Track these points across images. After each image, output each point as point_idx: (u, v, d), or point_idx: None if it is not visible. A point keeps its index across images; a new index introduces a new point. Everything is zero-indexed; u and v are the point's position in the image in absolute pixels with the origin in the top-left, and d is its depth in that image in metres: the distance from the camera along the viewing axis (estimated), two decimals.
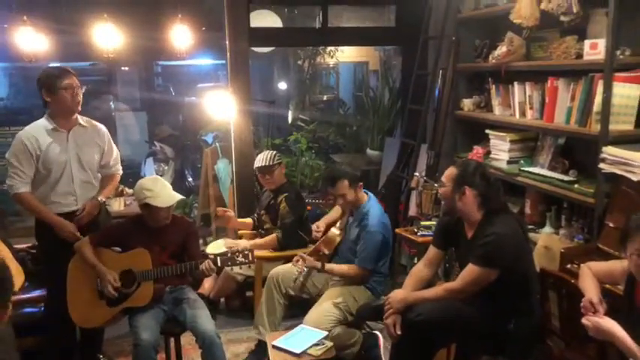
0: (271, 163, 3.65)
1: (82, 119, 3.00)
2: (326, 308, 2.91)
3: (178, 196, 2.87)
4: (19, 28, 3.63)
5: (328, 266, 3.02)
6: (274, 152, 3.77)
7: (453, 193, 2.45)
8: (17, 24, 3.64)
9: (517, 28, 3.23)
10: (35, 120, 2.96)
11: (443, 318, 2.37)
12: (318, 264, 2.99)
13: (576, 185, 2.87)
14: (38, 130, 2.89)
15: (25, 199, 2.86)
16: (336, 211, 3.43)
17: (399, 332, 2.45)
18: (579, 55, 2.86)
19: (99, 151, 3.06)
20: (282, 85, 8.70)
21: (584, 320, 1.92)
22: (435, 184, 3.38)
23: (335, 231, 3.28)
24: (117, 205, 4.17)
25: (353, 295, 2.98)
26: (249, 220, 3.95)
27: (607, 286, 2.18)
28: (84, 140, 2.99)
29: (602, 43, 2.66)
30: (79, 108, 2.94)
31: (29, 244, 3.56)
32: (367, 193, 3.12)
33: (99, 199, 3.05)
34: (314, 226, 3.42)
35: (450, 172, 2.52)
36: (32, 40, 3.67)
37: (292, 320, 3.25)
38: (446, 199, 2.53)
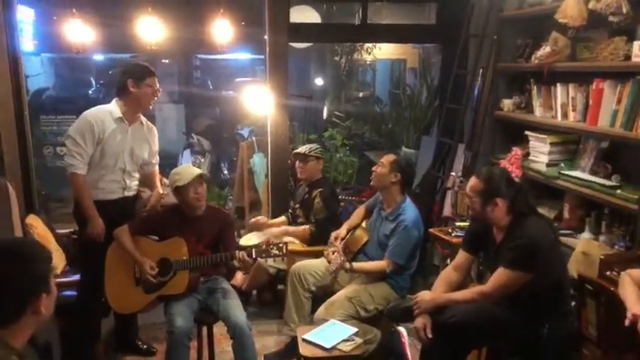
0: (308, 152, 3.74)
1: (142, 118, 3.14)
2: (338, 301, 2.96)
3: (197, 171, 2.94)
4: (68, 20, 3.75)
5: (357, 265, 3.03)
6: (317, 146, 3.86)
7: (483, 206, 2.43)
8: (66, 16, 3.76)
9: (562, 27, 3.15)
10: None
11: (476, 321, 2.35)
12: (347, 265, 2.99)
13: (619, 191, 2.78)
14: (105, 115, 2.96)
15: (80, 182, 2.92)
16: (356, 216, 3.42)
17: (429, 335, 2.43)
18: (627, 57, 2.77)
19: (148, 149, 3.18)
20: (319, 81, 8.69)
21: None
22: None
23: (361, 231, 3.30)
24: None
25: (369, 291, 3.01)
26: (283, 218, 4.01)
27: None
28: (140, 136, 3.12)
29: None
30: (150, 108, 3.10)
31: (72, 230, 3.68)
32: (405, 196, 3.17)
33: (160, 192, 3.24)
34: (333, 234, 3.26)
35: (475, 184, 2.48)
36: (80, 32, 3.78)
37: None
38: (475, 211, 2.50)
